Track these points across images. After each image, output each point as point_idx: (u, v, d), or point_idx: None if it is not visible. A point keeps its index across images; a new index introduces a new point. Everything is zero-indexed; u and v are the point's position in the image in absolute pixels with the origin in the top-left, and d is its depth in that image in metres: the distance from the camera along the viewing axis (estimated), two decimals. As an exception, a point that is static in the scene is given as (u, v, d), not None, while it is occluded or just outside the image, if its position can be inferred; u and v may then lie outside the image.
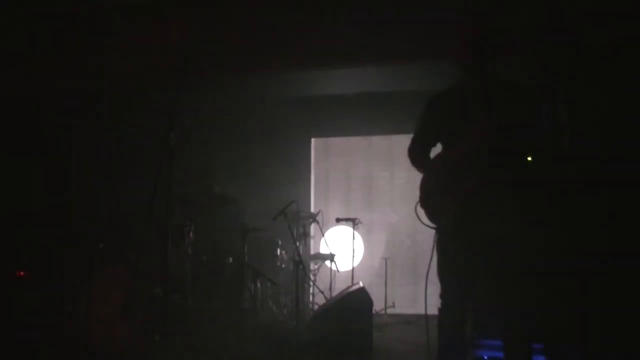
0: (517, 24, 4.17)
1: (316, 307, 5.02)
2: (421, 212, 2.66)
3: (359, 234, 5.46)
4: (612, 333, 3.51)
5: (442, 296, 2.63)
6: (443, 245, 2.60)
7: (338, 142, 6.46)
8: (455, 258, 2.55)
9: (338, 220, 5.36)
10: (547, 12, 4.21)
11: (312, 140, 6.25)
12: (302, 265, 4.34)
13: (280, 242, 5.05)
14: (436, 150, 2.77)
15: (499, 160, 2.49)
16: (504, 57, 2.69)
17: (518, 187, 2.51)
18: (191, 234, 4.26)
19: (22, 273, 4.56)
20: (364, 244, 5.70)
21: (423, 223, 2.64)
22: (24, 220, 5.16)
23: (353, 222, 5.30)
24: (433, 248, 2.64)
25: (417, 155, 2.75)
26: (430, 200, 2.61)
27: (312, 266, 5.48)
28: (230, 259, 4.47)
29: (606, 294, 3.64)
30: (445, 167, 2.58)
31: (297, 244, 4.64)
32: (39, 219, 5.20)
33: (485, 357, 3.35)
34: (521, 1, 4.30)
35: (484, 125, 2.49)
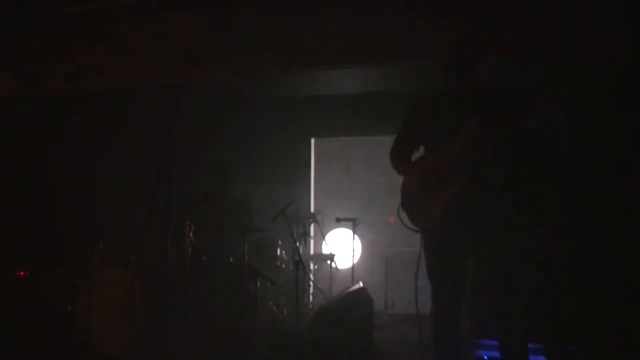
0: (516, 27, 4.17)
1: (316, 307, 5.02)
2: (403, 214, 2.68)
3: (359, 233, 5.46)
4: (612, 333, 3.51)
5: (433, 296, 2.64)
6: (430, 247, 2.62)
7: (338, 142, 6.45)
8: (442, 259, 2.57)
9: (338, 220, 5.36)
10: (547, 15, 4.20)
11: (312, 140, 6.25)
12: (302, 265, 4.34)
13: (280, 242, 5.05)
14: (417, 153, 2.78)
15: (484, 164, 2.49)
16: (501, 60, 2.70)
17: (505, 190, 2.51)
18: (191, 234, 4.26)
19: (22, 273, 4.57)
20: (364, 243, 5.70)
21: (405, 226, 2.66)
22: (24, 220, 5.17)
23: (353, 222, 5.30)
24: (420, 250, 2.66)
25: (399, 158, 2.76)
26: (413, 203, 2.63)
27: (312, 266, 5.48)
28: (231, 259, 4.47)
29: (606, 294, 3.64)
30: (429, 170, 2.59)
31: (297, 244, 4.64)
32: (39, 219, 5.20)
33: (485, 357, 3.35)
34: (520, 3, 4.30)
35: (469, 130, 2.49)
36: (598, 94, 3.94)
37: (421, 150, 2.77)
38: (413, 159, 2.79)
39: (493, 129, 2.47)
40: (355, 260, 5.39)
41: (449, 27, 4.32)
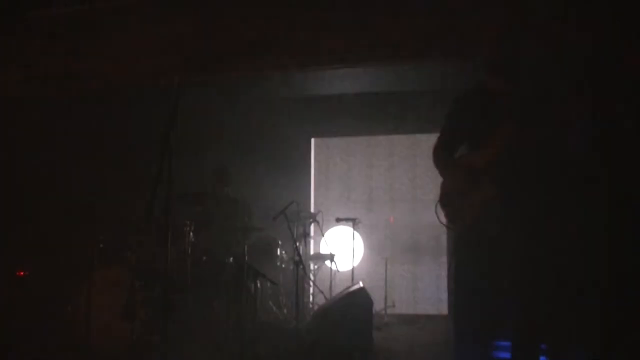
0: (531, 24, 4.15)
1: (316, 307, 5.02)
2: (440, 212, 2.66)
3: (359, 234, 5.46)
4: (614, 334, 3.51)
5: (461, 296, 2.63)
6: (460, 246, 2.61)
7: (338, 142, 6.46)
8: (471, 260, 2.56)
9: (338, 220, 5.36)
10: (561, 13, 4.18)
11: (312, 140, 6.25)
12: (302, 265, 4.34)
13: (280, 242, 5.05)
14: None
15: (520, 167, 2.47)
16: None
17: (534, 195, 2.49)
18: (191, 234, 4.26)
19: (22, 273, 4.57)
20: (364, 244, 5.70)
21: (442, 223, 2.63)
22: (24, 220, 5.17)
23: (353, 222, 5.30)
24: (451, 250, 2.65)
25: (441, 155, 2.71)
26: (450, 202, 2.60)
27: (312, 266, 5.48)
28: (231, 259, 4.47)
29: (609, 294, 3.64)
30: (466, 171, 2.56)
31: (297, 244, 4.64)
32: (39, 219, 5.20)
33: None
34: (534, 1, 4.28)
35: (507, 132, 2.46)
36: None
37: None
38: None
39: (528, 132, 2.44)
40: (357, 260, 5.39)
41: (448, 28, 4.32)
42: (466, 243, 2.60)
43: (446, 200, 2.62)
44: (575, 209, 3.46)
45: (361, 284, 3.95)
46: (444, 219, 2.62)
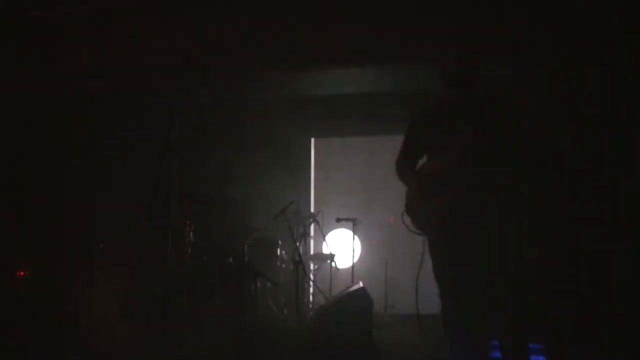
0: (513, 25, 4.18)
1: (316, 307, 5.02)
2: (407, 219, 2.73)
3: (358, 233, 5.46)
4: (612, 333, 3.51)
5: (440, 297, 2.65)
6: (433, 250, 2.66)
7: (338, 142, 6.45)
8: (445, 260, 2.60)
9: (338, 220, 5.36)
10: (545, 14, 4.21)
11: (312, 140, 6.25)
12: (302, 265, 4.34)
13: (280, 242, 5.05)
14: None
15: (482, 169, 2.52)
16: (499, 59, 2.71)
17: (503, 192, 2.54)
18: (191, 234, 4.26)
19: (22, 273, 4.57)
20: (364, 244, 5.70)
21: (410, 230, 2.71)
22: (24, 220, 5.17)
23: (353, 222, 5.30)
24: (423, 253, 2.71)
25: (402, 168, 2.82)
26: (415, 209, 2.68)
27: (312, 266, 5.48)
28: (230, 259, 4.47)
29: (606, 293, 3.64)
30: (428, 178, 2.63)
31: (297, 244, 4.64)
32: (39, 219, 5.20)
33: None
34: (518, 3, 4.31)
35: (462, 138, 2.53)
36: (599, 92, 3.95)
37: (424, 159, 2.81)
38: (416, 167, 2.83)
39: (485, 136, 2.51)
40: (355, 260, 5.39)
41: (448, 29, 4.33)
42: (437, 246, 2.65)
43: (410, 207, 2.70)
44: (549, 207, 3.50)
45: (361, 284, 3.95)
46: (411, 226, 2.69)
